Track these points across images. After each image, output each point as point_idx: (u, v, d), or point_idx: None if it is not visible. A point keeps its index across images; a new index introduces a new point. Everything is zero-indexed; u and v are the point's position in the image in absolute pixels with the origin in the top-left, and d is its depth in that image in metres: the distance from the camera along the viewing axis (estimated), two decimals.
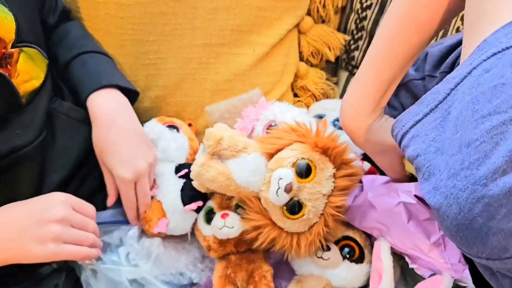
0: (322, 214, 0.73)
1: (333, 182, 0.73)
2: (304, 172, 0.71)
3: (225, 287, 0.76)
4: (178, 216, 0.80)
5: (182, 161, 0.86)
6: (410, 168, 0.71)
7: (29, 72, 0.69)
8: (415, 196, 0.64)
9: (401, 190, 0.65)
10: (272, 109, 0.82)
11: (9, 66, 0.66)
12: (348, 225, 0.78)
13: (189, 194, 0.79)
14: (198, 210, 0.81)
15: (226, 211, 0.76)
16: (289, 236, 0.73)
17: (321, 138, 0.72)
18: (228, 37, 0.90)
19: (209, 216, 0.79)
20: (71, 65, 0.81)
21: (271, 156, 0.72)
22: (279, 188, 0.68)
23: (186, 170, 0.83)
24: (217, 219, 0.76)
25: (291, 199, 0.70)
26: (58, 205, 0.65)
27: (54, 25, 0.84)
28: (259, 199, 0.73)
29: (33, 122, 0.71)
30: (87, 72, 0.79)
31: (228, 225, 0.74)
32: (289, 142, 0.72)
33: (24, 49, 0.68)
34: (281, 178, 0.68)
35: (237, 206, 0.78)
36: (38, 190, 0.74)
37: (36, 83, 0.71)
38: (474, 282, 0.62)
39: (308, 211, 0.71)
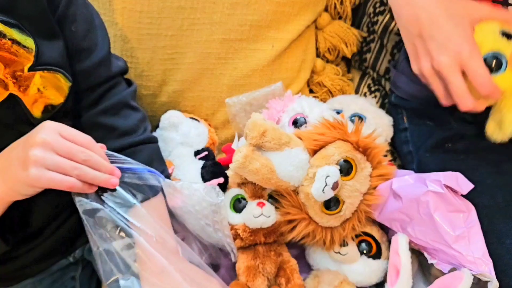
0: (355, 210, 0.75)
1: (369, 181, 0.75)
2: (347, 171, 0.73)
3: (255, 277, 0.76)
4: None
5: (201, 147, 0.87)
6: None
7: (46, 96, 0.68)
8: (445, 185, 0.65)
9: (430, 180, 0.66)
10: (300, 102, 0.84)
11: (23, 89, 0.65)
12: (368, 216, 0.78)
13: (210, 170, 0.80)
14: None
15: (262, 200, 0.76)
16: (323, 230, 0.75)
17: (362, 138, 0.74)
18: (247, 33, 0.91)
19: (237, 205, 0.78)
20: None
21: (313, 152, 0.73)
22: (326, 185, 0.69)
23: (206, 153, 0.84)
24: (253, 207, 0.75)
25: None
26: (43, 130, 0.62)
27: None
28: (297, 193, 0.74)
29: None
30: None
31: (265, 214, 0.74)
32: (332, 139, 0.73)
33: (43, 73, 0.67)
34: (328, 176, 0.70)
35: (269, 196, 0.78)
36: (55, 209, 0.75)
37: (52, 106, 0.70)
38: None
39: (345, 208, 0.74)
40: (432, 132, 0.85)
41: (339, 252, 0.77)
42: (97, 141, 0.67)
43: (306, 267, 0.84)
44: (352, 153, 0.74)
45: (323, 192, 0.70)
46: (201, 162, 0.83)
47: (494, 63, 0.68)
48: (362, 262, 0.77)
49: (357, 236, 0.78)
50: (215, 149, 0.91)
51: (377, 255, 0.78)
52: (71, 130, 0.64)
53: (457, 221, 0.66)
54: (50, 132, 0.62)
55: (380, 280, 0.79)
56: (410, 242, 0.72)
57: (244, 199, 0.78)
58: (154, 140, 0.79)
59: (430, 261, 0.70)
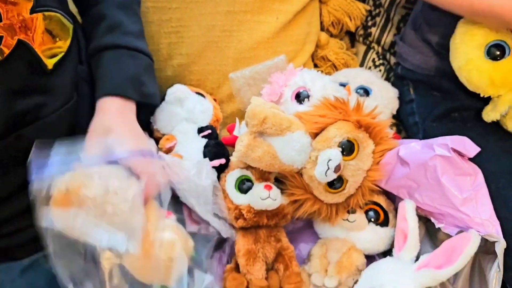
0: (359, 186, 0.77)
1: (372, 157, 0.76)
2: (349, 150, 0.74)
3: (255, 262, 0.77)
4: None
5: (205, 124, 0.87)
6: None
7: (51, 39, 0.69)
8: (452, 149, 0.66)
9: (437, 144, 0.67)
10: (302, 76, 0.84)
11: (29, 33, 0.65)
12: (373, 190, 0.79)
13: (213, 151, 0.81)
14: (219, 169, 0.82)
15: (269, 183, 0.77)
16: (328, 207, 0.77)
17: (363, 117, 0.75)
18: (251, 4, 0.91)
19: (241, 186, 0.79)
20: (101, 55, 0.76)
21: (315, 134, 0.74)
22: (328, 168, 0.71)
23: (209, 131, 0.85)
24: (260, 189, 0.76)
25: None
26: None
27: None
28: (301, 175, 0.76)
29: (60, 88, 0.71)
30: (111, 70, 0.75)
31: (272, 197, 0.76)
32: (333, 120, 0.75)
33: (46, 13, 0.67)
34: (330, 159, 0.71)
35: (274, 179, 0.80)
36: None
37: (60, 49, 0.71)
38: None
39: (349, 186, 0.76)
40: (439, 102, 0.86)
41: (347, 219, 0.78)
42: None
43: (313, 237, 0.86)
44: (354, 133, 0.75)
45: (326, 175, 0.72)
46: (204, 140, 0.84)
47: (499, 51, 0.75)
48: (370, 230, 0.79)
49: (365, 205, 0.80)
50: (219, 126, 0.92)
51: (384, 223, 0.79)
52: None
53: (464, 184, 0.67)
54: None
55: (388, 248, 0.80)
56: (417, 209, 0.73)
57: (249, 180, 0.79)
58: (152, 59, 0.81)
59: (437, 225, 0.71)
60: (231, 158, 0.79)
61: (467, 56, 0.77)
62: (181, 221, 0.74)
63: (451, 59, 0.80)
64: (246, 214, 0.78)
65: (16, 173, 0.69)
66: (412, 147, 0.73)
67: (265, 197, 0.76)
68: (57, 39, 0.69)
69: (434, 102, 0.87)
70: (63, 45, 0.70)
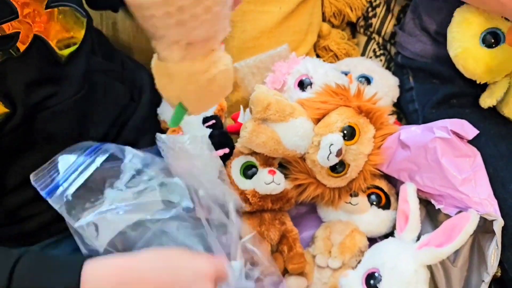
0: (361, 170, 0.79)
1: (373, 142, 0.78)
2: (350, 135, 0.76)
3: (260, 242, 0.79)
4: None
5: (209, 114, 0.89)
6: None
7: (65, 31, 0.71)
8: (451, 131, 0.68)
9: (436, 127, 0.70)
10: (304, 64, 0.86)
11: (45, 27, 0.67)
12: (374, 174, 0.82)
13: (217, 140, 0.82)
14: (223, 158, 0.84)
15: (273, 169, 0.80)
16: (331, 191, 0.80)
17: (364, 103, 0.78)
18: None
19: (246, 171, 0.81)
20: None
21: (317, 120, 0.77)
22: (330, 153, 0.73)
23: (213, 121, 0.87)
24: (264, 174, 0.78)
25: None
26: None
27: None
28: (304, 159, 0.78)
29: (72, 79, 0.73)
30: None
31: (276, 182, 0.78)
32: (335, 106, 0.77)
33: (60, 8, 0.69)
34: (332, 144, 0.73)
35: (278, 164, 0.82)
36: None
37: (74, 40, 0.72)
38: None
39: (351, 170, 0.78)
40: (438, 89, 0.89)
41: (350, 203, 0.81)
42: None
43: (316, 221, 0.88)
44: (355, 118, 0.77)
45: (328, 160, 0.74)
46: (209, 130, 0.86)
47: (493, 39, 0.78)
48: (372, 212, 0.81)
49: (367, 188, 0.82)
50: (223, 115, 0.93)
51: (386, 206, 0.82)
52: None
53: (463, 165, 0.69)
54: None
55: (390, 231, 0.83)
56: (418, 191, 0.76)
57: (253, 166, 0.81)
58: None
59: (437, 207, 0.73)
60: (236, 144, 0.81)
61: (463, 44, 0.80)
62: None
63: (448, 47, 0.83)
64: (251, 199, 0.80)
65: (28, 159, 0.71)
66: (412, 131, 0.75)
67: (269, 182, 0.78)
68: (71, 32, 0.71)
69: (433, 90, 0.90)
70: (77, 37, 0.72)
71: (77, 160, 0.67)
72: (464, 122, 0.72)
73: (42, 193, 0.63)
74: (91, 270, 0.57)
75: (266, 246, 0.79)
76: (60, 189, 0.64)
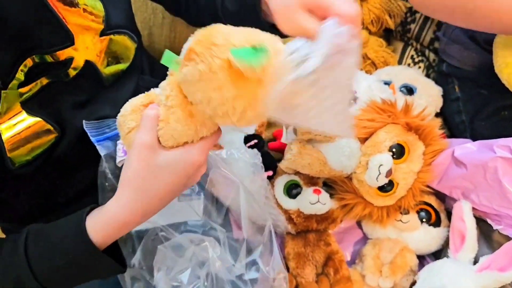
0: (410, 188, 0.77)
1: (422, 159, 0.77)
2: (399, 154, 0.75)
3: (305, 265, 0.79)
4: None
5: (251, 132, 0.88)
6: None
7: (116, 56, 0.71)
8: None
9: (497, 145, 0.67)
10: None
11: (96, 54, 0.67)
12: (423, 191, 0.80)
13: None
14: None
15: (318, 188, 0.78)
16: (379, 210, 0.78)
17: (413, 119, 0.76)
18: None
19: (290, 190, 0.80)
20: None
21: (364, 138, 0.75)
22: (379, 174, 0.72)
23: (255, 141, 0.85)
24: (309, 194, 0.77)
25: None
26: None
27: None
28: (350, 179, 0.77)
29: (120, 101, 0.72)
30: None
31: (321, 201, 0.76)
32: (382, 124, 0.75)
33: (113, 36, 0.69)
34: (381, 165, 0.72)
35: (323, 183, 0.81)
36: None
37: (121, 67, 0.73)
38: None
39: (400, 188, 0.76)
40: (488, 100, 0.86)
41: (400, 220, 0.79)
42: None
43: (358, 237, 0.87)
44: (404, 136, 0.76)
45: (377, 180, 0.73)
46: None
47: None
48: (423, 230, 0.80)
49: (416, 205, 0.80)
50: (264, 129, 0.91)
51: (437, 223, 0.80)
52: None
53: None
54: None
55: (439, 248, 0.80)
56: (472, 209, 0.73)
57: (297, 185, 0.80)
58: None
59: (495, 227, 0.71)
60: (280, 164, 0.80)
61: (506, 59, 0.78)
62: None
63: (494, 61, 0.80)
64: (296, 219, 0.79)
65: (83, 175, 0.72)
66: (468, 148, 0.73)
67: (315, 202, 0.77)
68: (121, 57, 0.71)
69: (482, 100, 0.87)
70: (126, 61, 0.72)
71: None
72: None
73: (93, 139, 0.66)
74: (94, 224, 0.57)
75: (311, 269, 0.78)
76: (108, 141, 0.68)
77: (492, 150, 0.68)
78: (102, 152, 0.67)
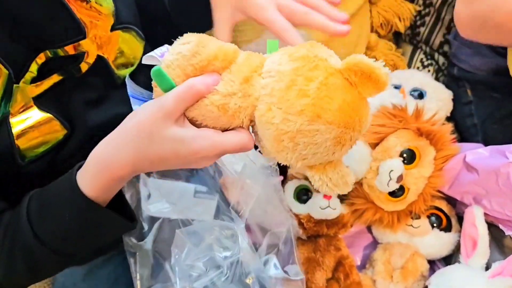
0: (421, 193, 0.77)
1: (433, 164, 0.77)
2: (410, 159, 0.75)
3: (315, 271, 0.78)
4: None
5: None
6: None
7: (126, 55, 0.71)
8: None
9: (509, 151, 0.67)
10: None
11: (108, 49, 0.68)
12: (433, 195, 0.80)
13: None
14: None
15: None
16: (390, 215, 0.78)
17: (423, 124, 0.76)
18: None
19: (300, 195, 0.80)
20: None
21: (374, 144, 0.75)
22: (390, 179, 0.72)
23: None
24: (320, 199, 0.77)
25: None
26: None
27: None
28: (361, 184, 0.77)
29: (129, 100, 0.73)
30: None
31: (332, 206, 0.76)
32: (393, 129, 0.75)
33: (122, 32, 0.70)
34: (392, 170, 0.72)
35: None
36: None
37: (132, 63, 0.73)
38: None
39: (411, 193, 0.76)
40: (500, 104, 0.86)
41: (411, 225, 0.79)
42: None
43: (368, 241, 0.87)
44: (415, 141, 0.75)
45: (388, 186, 0.73)
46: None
47: None
48: (434, 235, 0.79)
49: (426, 210, 0.80)
50: None
51: (447, 228, 0.80)
52: None
53: None
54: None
55: (449, 253, 0.80)
56: (484, 215, 0.73)
57: (308, 189, 0.80)
58: None
59: (507, 233, 0.71)
60: (289, 169, 0.79)
61: None
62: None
63: (508, 63, 0.80)
64: (306, 224, 0.79)
65: None
66: (479, 153, 0.73)
67: (325, 207, 0.77)
68: (131, 54, 0.71)
69: (495, 104, 0.87)
70: (135, 59, 0.72)
71: None
72: None
73: (129, 92, 0.64)
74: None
75: (321, 274, 0.78)
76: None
77: (504, 155, 0.68)
78: (134, 106, 0.64)
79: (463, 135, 0.94)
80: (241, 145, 0.50)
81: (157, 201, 0.72)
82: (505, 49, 0.81)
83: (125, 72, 0.71)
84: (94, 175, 0.55)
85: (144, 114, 0.51)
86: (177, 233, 0.69)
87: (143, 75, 0.73)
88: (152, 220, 0.74)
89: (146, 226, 0.74)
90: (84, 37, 0.63)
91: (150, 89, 0.55)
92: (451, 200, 0.81)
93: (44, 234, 0.57)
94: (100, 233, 0.60)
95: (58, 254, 0.59)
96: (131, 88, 0.64)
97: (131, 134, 0.52)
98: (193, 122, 0.51)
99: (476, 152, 0.73)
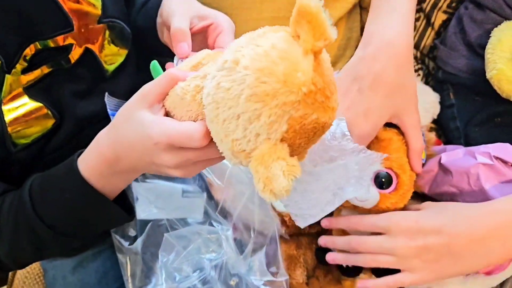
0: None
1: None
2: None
3: (296, 268, 0.80)
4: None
5: None
6: None
7: (113, 47, 0.75)
8: (494, 157, 0.68)
9: (478, 152, 0.69)
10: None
11: (95, 42, 0.71)
12: (416, 197, 0.81)
13: None
14: None
15: None
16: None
17: None
18: None
19: None
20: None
21: None
22: None
23: None
24: None
25: None
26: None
27: None
28: None
29: (119, 94, 0.75)
30: None
31: None
32: None
33: (110, 24, 0.73)
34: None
35: None
36: None
37: (120, 58, 0.76)
38: None
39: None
40: (481, 107, 0.88)
41: None
42: None
43: None
44: None
45: None
46: None
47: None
48: None
49: None
50: None
51: None
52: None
53: (508, 191, 0.69)
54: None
55: None
56: None
57: None
58: None
59: None
60: None
61: (497, 66, 0.80)
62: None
63: (485, 68, 0.82)
64: (289, 222, 0.81)
65: None
66: (454, 155, 0.75)
67: None
68: (118, 48, 0.74)
69: (476, 107, 0.89)
70: (122, 53, 0.75)
71: None
72: (507, 146, 0.71)
73: (109, 111, 0.65)
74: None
75: (301, 271, 0.80)
76: None
77: (475, 156, 0.70)
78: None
79: (447, 138, 0.96)
80: (187, 134, 0.48)
81: (145, 204, 0.75)
82: (483, 50, 0.84)
83: (113, 67, 0.74)
84: (88, 154, 0.59)
85: (131, 98, 0.55)
86: (165, 237, 0.73)
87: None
88: (142, 223, 0.77)
89: (136, 230, 0.77)
90: (72, 30, 0.66)
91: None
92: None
93: (46, 215, 0.61)
94: (97, 216, 0.63)
95: (60, 234, 0.62)
96: (112, 104, 0.66)
97: (118, 114, 0.56)
98: (168, 114, 0.54)
99: (450, 154, 0.76)
